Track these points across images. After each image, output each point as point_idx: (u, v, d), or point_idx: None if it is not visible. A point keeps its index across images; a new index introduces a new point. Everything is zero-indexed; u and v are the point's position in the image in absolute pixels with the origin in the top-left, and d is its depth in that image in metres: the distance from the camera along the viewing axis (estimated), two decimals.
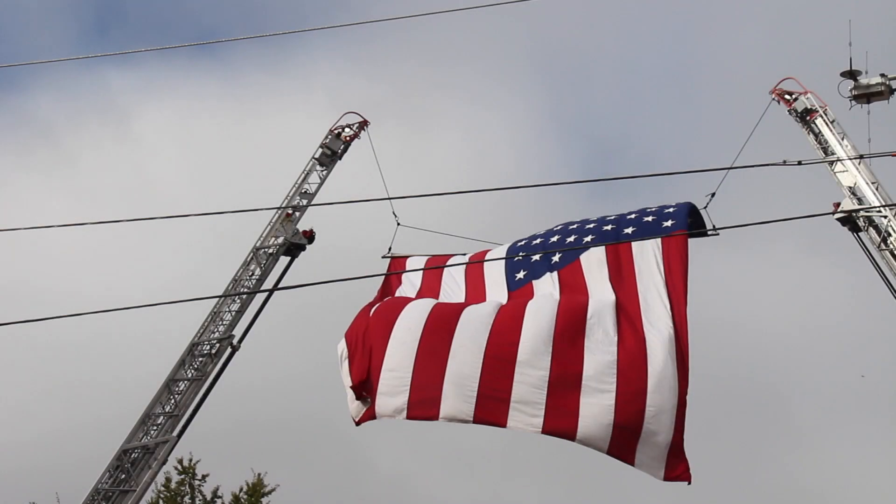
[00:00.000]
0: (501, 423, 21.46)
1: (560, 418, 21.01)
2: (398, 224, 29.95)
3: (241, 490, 35.73)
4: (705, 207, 25.35)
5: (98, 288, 58.94)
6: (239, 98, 78.47)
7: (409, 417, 22.38)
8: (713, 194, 25.46)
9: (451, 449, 57.74)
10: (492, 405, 21.63)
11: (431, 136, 69.56)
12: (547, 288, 23.08)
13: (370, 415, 23.72)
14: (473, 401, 21.63)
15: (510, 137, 77.01)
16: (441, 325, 22.85)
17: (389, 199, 22.98)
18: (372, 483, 53.37)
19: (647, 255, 22.69)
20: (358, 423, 24.33)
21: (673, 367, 20.95)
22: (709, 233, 24.45)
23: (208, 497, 35.65)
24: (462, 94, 79.79)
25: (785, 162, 17.53)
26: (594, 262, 23.09)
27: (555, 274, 23.31)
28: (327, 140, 33.47)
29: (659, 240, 22.56)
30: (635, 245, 22.52)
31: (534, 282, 23.62)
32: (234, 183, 68.02)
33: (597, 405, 20.89)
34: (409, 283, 26.56)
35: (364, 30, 71.84)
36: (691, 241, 23.67)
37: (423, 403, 22.36)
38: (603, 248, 22.44)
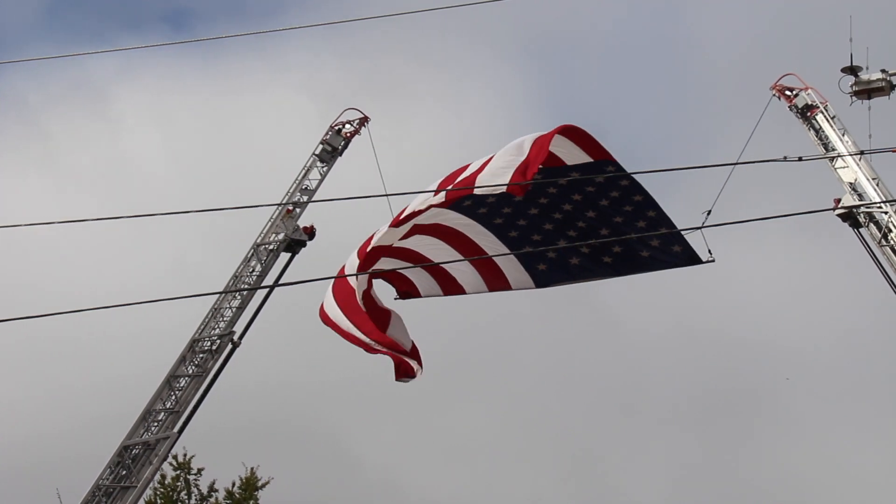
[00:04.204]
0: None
1: None
2: None
3: (233, 485, 35.68)
4: (701, 227, 24.30)
5: (88, 279, 58.65)
6: (217, 78, 78.09)
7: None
8: (709, 212, 24.89)
9: (443, 441, 57.96)
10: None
11: (410, 118, 69.08)
12: None
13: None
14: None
15: (492, 121, 76.51)
16: None
17: (387, 195, 22.85)
18: (362, 475, 53.45)
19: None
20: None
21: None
22: (705, 261, 23.67)
23: (204, 492, 35.58)
24: (442, 76, 79.36)
25: (786, 158, 17.45)
26: None
27: None
28: (328, 136, 33.45)
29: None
30: None
31: None
32: (213, 162, 67.94)
33: None
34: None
35: (342, 10, 71.80)
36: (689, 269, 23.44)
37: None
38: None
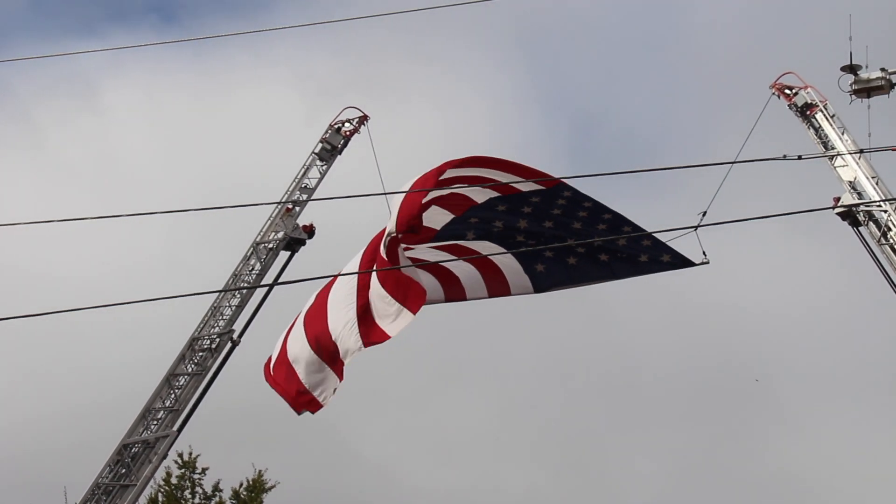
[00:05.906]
0: None
1: None
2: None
3: (241, 486, 35.66)
4: (696, 228, 23.93)
5: (83, 278, 58.53)
6: (206, 70, 77.76)
7: None
8: (704, 213, 24.60)
9: (440, 436, 58.02)
10: None
11: (401, 110, 68.81)
12: None
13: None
14: None
15: (486, 111, 76.21)
16: None
17: (385, 193, 22.81)
18: (357, 471, 53.48)
19: None
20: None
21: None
22: (698, 263, 23.44)
23: (209, 491, 35.57)
24: (434, 66, 78.97)
25: (785, 156, 17.45)
26: None
27: None
28: (327, 135, 33.44)
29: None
30: None
31: None
32: (204, 155, 67.85)
33: None
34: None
35: (333, 2, 71.72)
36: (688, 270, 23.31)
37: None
38: None
